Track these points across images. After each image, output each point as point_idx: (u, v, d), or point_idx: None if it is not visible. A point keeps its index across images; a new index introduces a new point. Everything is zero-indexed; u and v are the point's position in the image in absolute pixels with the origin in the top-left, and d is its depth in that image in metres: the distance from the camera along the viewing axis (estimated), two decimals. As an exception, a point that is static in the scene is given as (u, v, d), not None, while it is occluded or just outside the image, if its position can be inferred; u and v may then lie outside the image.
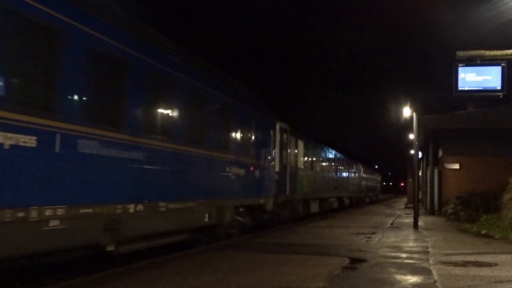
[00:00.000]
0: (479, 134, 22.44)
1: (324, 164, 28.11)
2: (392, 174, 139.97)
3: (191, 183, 10.27)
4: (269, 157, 15.66)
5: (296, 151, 20.47)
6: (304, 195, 21.77)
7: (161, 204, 8.99)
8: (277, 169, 16.71)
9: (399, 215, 25.91)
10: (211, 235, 11.85)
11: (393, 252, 10.40)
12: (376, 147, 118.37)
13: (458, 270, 8.06)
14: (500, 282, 7.11)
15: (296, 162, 20.35)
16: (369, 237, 13.32)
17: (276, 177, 16.61)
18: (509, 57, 15.85)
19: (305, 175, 21.96)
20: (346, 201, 35.16)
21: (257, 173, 14.26)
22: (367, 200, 49.51)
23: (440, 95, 22.70)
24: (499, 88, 16.20)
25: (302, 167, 21.67)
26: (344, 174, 35.28)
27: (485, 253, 10.39)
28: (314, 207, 24.21)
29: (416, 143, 18.92)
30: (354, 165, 40.29)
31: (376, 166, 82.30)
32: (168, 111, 9.71)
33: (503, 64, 15.93)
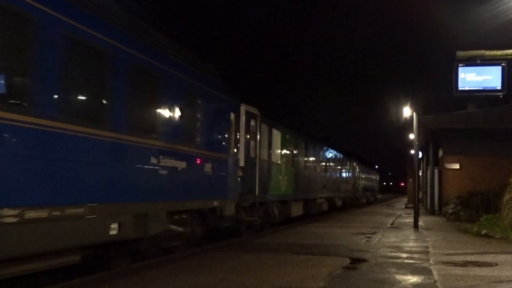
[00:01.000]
0: (479, 134, 22.46)
1: (310, 160, 24.38)
2: (392, 174, 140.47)
3: (78, 180, 6.99)
4: (228, 148, 12.48)
5: (270, 142, 17.25)
6: (282, 195, 18.56)
7: (8, 212, 5.73)
8: (242, 163, 13.84)
9: (399, 215, 25.91)
10: (132, 253, 8.98)
11: (394, 252, 10.40)
12: (376, 147, 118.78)
13: (458, 270, 8.06)
14: (500, 282, 7.11)
15: (270, 155, 17.19)
16: (370, 237, 13.32)
17: (241, 174, 13.69)
18: (509, 57, 15.85)
19: (283, 171, 18.80)
20: (338, 203, 31.75)
21: (208, 167, 11.08)
22: (364, 201, 46.87)
23: (440, 95, 22.67)
24: (499, 88, 16.20)
25: (279, 162, 18.48)
26: (336, 172, 31.91)
27: (485, 253, 10.39)
28: (297, 209, 21.00)
29: (416, 143, 18.93)
30: (348, 163, 37.35)
31: (376, 166, 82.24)
32: (30, 64, 6.25)
33: (503, 64, 15.94)
